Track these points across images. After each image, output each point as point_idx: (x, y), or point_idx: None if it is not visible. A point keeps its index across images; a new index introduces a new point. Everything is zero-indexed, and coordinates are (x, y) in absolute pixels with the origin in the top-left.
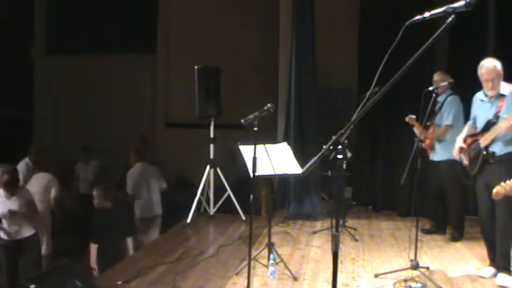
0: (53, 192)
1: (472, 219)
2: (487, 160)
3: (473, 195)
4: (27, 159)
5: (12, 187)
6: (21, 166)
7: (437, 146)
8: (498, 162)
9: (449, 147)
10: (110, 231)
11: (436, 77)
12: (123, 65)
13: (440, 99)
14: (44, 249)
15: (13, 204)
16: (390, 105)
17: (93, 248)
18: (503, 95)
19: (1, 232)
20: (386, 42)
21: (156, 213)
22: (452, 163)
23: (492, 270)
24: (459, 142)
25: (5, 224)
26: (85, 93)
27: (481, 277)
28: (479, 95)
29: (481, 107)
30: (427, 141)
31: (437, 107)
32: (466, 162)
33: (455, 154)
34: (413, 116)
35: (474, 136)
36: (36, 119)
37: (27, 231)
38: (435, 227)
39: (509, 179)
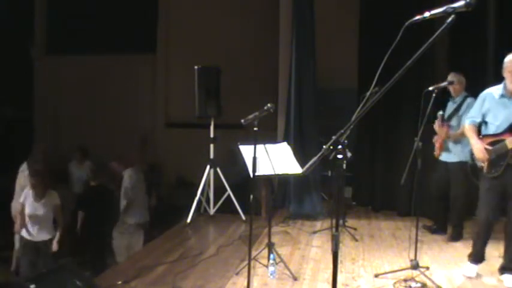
0: None
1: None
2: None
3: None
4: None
5: (41, 189)
6: (25, 167)
7: (453, 146)
8: None
9: (465, 149)
10: (97, 204)
11: (452, 77)
12: (123, 65)
13: (457, 100)
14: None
15: (41, 207)
16: (390, 105)
17: (80, 214)
18: None
19: (24, 232)
20: (386, 42)
21: None
22: (464, 164)
23: (475, 267)
24: (479, 143)
25: (29, 224)
26: (85, 93)
27: (481, 276)
28: (494, 92)
29: (500, 104)
30: (439, 141)
31: (452, 108)
32: (482, 164)
33: (480, 156)
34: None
35: (492, 137)
36: (36, 119)
37: (47, 235)
38: (436, 226)
39: None
